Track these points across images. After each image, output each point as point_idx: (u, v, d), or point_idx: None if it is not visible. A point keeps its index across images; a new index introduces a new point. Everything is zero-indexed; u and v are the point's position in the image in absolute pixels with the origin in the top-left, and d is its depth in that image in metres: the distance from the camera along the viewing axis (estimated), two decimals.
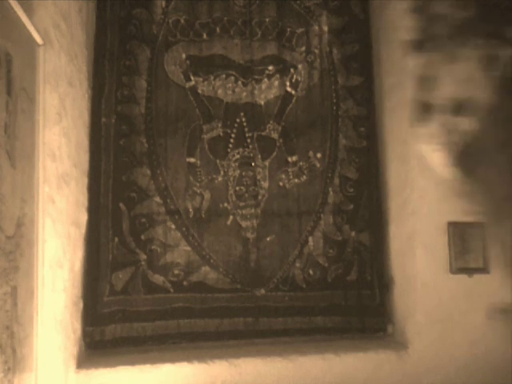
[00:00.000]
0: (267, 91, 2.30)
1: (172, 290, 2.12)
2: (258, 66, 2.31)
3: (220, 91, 2.27)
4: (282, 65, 2.33)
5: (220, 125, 2.25)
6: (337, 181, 2.31)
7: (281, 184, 2.27)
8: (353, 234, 2.28)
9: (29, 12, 1.33)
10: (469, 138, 0.31)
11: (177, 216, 2.17)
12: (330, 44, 2.37)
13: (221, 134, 2.25)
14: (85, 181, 2.05)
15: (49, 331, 1.49)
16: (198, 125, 2.23)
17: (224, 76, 2.28)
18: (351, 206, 2.30)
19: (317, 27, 2.37)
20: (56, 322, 1.59)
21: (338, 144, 2.33)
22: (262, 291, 2.18)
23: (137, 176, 2.15)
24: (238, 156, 2.25)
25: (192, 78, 2.25)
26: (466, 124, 0.30)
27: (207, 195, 2.20)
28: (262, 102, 2.29)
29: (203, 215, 2.19)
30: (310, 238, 2.25)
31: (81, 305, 1.98)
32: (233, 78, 2.28)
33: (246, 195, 2.23)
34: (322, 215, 2.27)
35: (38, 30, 1.42)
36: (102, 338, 2.02)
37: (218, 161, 2.24)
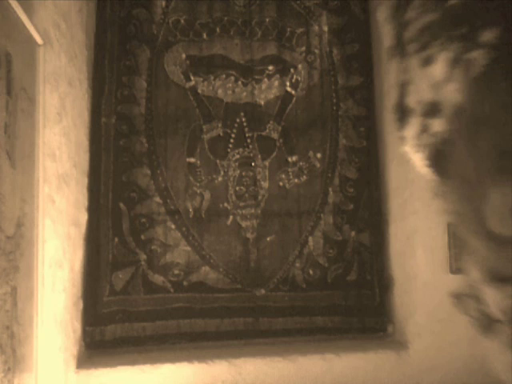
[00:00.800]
0: (267, 91, 2.30)
1: (172, 290, 2.12)
2: (258, 66, 2.31)
3: (220, 91, 2.27)
4: (282, 65, 2.32)
5: (220, 125, 2.25)
6: (337, 181, 2.31)
7: (281, 184, 2.27)
8: (353, 234, 2.28)
9: (29, 12, 1.33)
10: (442, 139, 0.32)
11: (177, 216, 2.17)
12: (330, 44, 2.37)
13: (221, 133, 2.25)
14: (85, 181, 2.05)
15: (49, 331, 1.49)
16: (197, 125, 2.23)
17: (224, 76, 2.28)
18: (351, 206, 2.30)
19: (317, 27, 2.37)
20: (56, 322, 1.59)
21: (337, 144, 2.32)
22: (262, 291, 2.18)
23: (137, 176, 2.15)
24: (237, 156, 2.25)
25: (192, 78, 2.25)
26: (440, 126, 0.31)
27: (207, 195, 2.20)
28: (262, 102, 2.29)
29: (203, 215, 2.19)
30: (310, 238, 2.25)
31: (81, 305, 1.98)
32: (233, 77, 2.28)
33: (246, 195, 2.23)
34: (322, 215, 2.27)
35: (37, 30, 1.42)
36: (102, 338, 2.02)
37: (217, 161, 2.24)
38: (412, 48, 0.32)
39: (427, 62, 0.30)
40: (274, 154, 2.28)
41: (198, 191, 2.20)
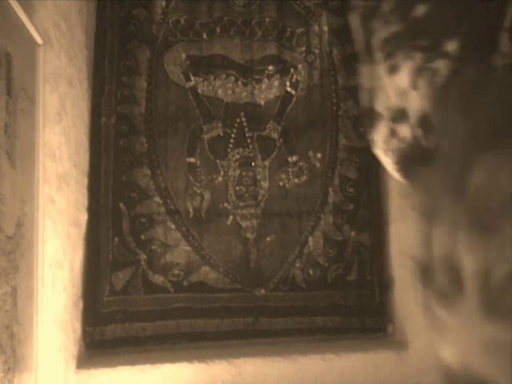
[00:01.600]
0: (267, 91, 2.30)
1: (172, 290, 2.12)
2: (258, 65, 2.31)
3: (220, 91, 2.27)
4: (282, 65, 2.32)
5: (220, 125, 2.25)
6: (337, 181, 2.31)
7: (281, 184, 2.27)
8: (353, 234, 2.28)
9: (29, 12, 1.33)
10: (409, 143, 0.32)
11: (177, 216, 2.17)
12: (330, 44, 2.37)
13: (221, 133, 2.25)
14: (85, 181, 2.05)
15: (49, 331, 1.49)
16: (198, 125, 2.23)
17: (224, 76, 2.28)
18: (351, 206, 2.30)
19: (317, 27, 2.37)
20: (56, 322, 1.59)
21: (337, 144, 2.33)
22: (262, 291, 2.18)
23: (137, 176, 2.15)
24: (237, 156, 2.25)
25: (192, 77, 2.25)
26: (407, 131, 0.32)
27: (207, 195, 2.20)
28: (262, 102, 2.29)
29: (203, 215, 2.19)
30: (310, 238, 2.25)
31: (81, 305, 1.98)
32: (233, 78, 2.28)
33: (246, 195, 2.24)
34: (322, 215, 2.27)
35: (37, 30, 1.41)
36: (102, 338, 2.02)
37: (217, 161, 2.24)
38: (379, 56, 0.32)
39: (393, 69, 0.30)
40: (274, 154, 2.28)
41: (198, 191, 2.20)
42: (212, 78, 2.26)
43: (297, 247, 2.23)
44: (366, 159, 2.33)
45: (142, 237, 2.12)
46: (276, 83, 2.31)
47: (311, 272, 2.23)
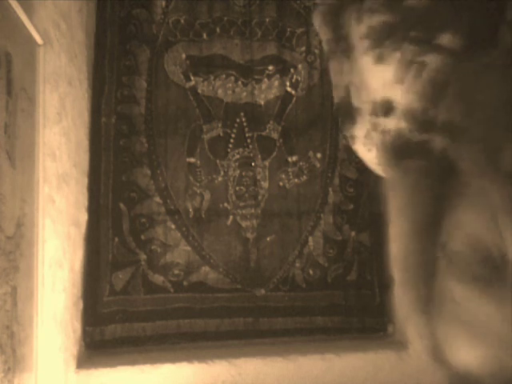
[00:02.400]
0: (267, 91, 2.30)
1: (172, 290, 2.12)
2: (258, 66, 2.31)
3: (220, 91, 2.27)
4: (282, 65, 2.32)
5: (220, 125, 2.25)
6: (337, 181, 2.31)
7: (281, 184, 2.27)
8: (353, 234, 2.28)
9: (29, 12, 1.33)
10: (395, 136, 0.32)
11: (177, 216, 2.17)
12: None
13: (221, 133, 2.25)
14: (85, 181, 2.05)
15: (49, 331, 1.49)
16: (197, 125, 2.23)
17: (224, 76, 2.28)
18: (351, 206, 2.30)
19: None
20: (56, 322, 1.59)
21: (337, 144, 2.33)
22: (262, 291, 2.18)
23: (137, 176, 2.15)
24: (237, 156, 2.25)
25: (192, 78, 2.25)
26: (392, 125, 0.31)
27: (207, 195, 2.20)
28: (262, 102, 2.29)
29: (203, 215, 2.19)
30: (310, 238, 2.25)
31: (81, 305, 1.98)
32: (233, 78, 2.28)
33: (246, 195, 2.24)
34: (322, 215, 2.27)
35: (37, 30, 1.41)
36: (102, 338, 2.02)
37: (218, 161, 2.24)
38: (364, 44, 0.31)
39: (379, 59, 0.30)
40: (274, 154, 2.28)
41: (198, 191, 2.20)
42: (212, 78, 2.27)
43: (297, 247, 2.23)
44: None
45: (142, 237, 2.12)
46: (276, 83, 2.31)
47: (311, 272, 2.23)
